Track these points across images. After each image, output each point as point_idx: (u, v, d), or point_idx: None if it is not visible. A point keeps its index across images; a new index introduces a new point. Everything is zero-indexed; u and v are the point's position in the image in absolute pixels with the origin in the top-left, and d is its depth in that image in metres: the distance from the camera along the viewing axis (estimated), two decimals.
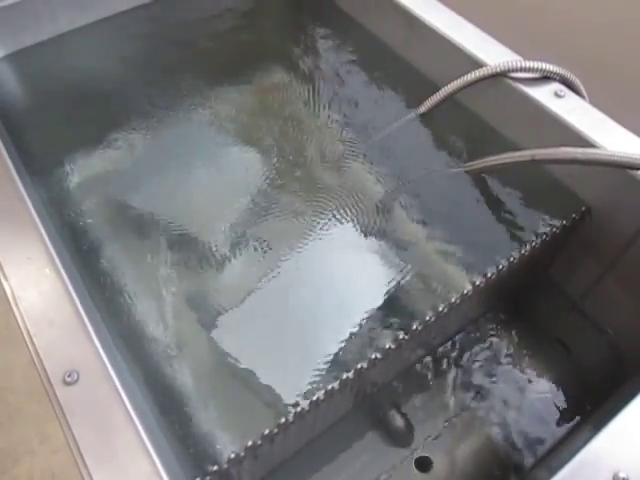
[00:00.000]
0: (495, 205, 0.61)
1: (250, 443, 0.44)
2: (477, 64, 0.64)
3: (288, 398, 0.47)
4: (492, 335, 0.73)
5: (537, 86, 0.62)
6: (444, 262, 0.57)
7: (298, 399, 0.47)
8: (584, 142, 0.58)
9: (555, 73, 0.62)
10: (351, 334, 0.51)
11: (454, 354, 0.71)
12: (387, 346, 0.50)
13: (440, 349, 0.70)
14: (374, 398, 0.65)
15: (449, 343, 0.71)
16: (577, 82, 0.62)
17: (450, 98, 0.65)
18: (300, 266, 0.56)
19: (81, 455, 0.40)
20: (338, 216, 0.60)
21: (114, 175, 0.64)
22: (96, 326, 0.46)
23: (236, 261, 0.57)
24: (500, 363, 0.71)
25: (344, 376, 0.48)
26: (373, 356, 0.50)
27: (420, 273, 0.56)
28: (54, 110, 0.70)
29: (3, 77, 0.73)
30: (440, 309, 0.53)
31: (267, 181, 0.63)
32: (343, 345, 0.50)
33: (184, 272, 0.56)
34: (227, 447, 0.44)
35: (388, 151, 0.66)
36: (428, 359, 0.70)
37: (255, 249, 0.58)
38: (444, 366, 0.70)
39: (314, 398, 0.47)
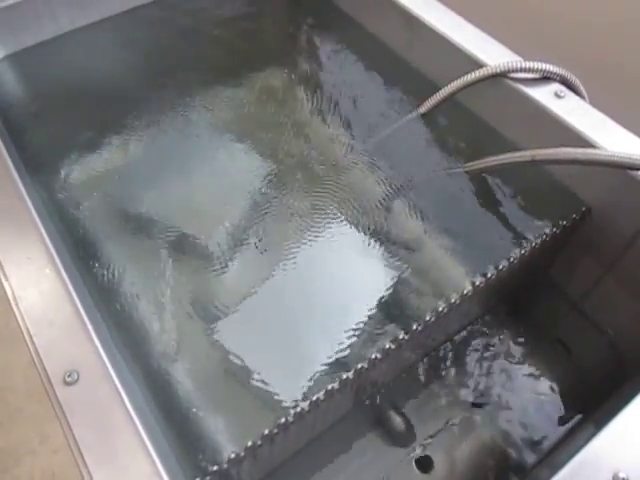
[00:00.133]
0: (495, 205, 0.61)
1: (250, 443, 0.44)
2: (477, 64, 0.64)
3: (288, 398, 0.47)
4: (492, 335, 0.73)
5: (537, 86, 0.62)
6: (444, 262, 0.57)
7: (298, 399, 0.47)
8: (584, 142, 0.58)
9: (555, 73, 0.62)
10: (351, 334, 0.51)
11: (454, 354, 0.71)
12: (387, 346, 0.50)
13: (440, 349, 0.70)
14: (374, 398, 0.65)
15: (449, 343, 0.71)
16: (577, 82, 0.62)
17: (450, 98, 0.66)
18: (300, 266, 0.56)
19: (81, 455, 0.40)
20: (338, 216, 0.60)
21: (114, 175, 0.64)
22: (96, 326, 0.47)
23: (236, 261, 0.57)
24: (500, 363, 0.71)
25: (344, 376, 0.48)
26: (373, 356, 0.50)
27: (420, 273, 0.56)
28: (54, 110, 0.70)
29: (3, 77, 0.73)
30: (440, 309, 0.53)
31: (267, 182, 0.63)
32: (343, 345, 0.50)
33: (184, 272, 0.56)
34: (227, 447, 0.44)
35: (388, 151, 0.66)
36: (428, 359, 0.70)
37: (255, 249, 0.58)
38: (444, 366, 0.70)
39: (314, 398, 0.47)
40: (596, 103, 0.61)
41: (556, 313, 0.72)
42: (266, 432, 0.45)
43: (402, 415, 0.66)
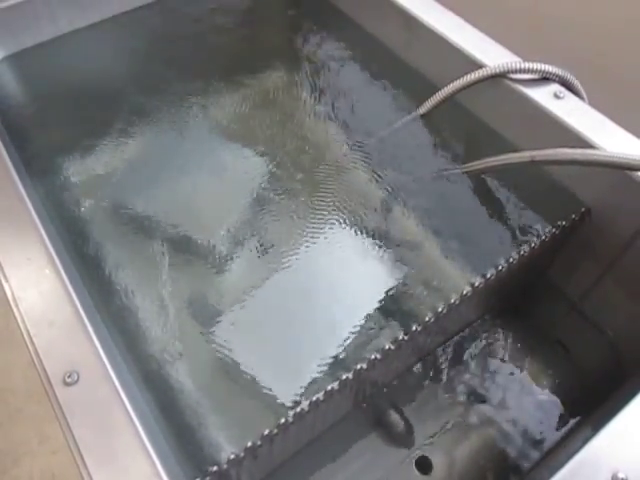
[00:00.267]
0: (494, 206, 0.61)
1: (250, 444, 0.44)
2: (476, 65, 0.64)
3: (288, 398, 0.47)
4: (492, 336, 0.73)
5: (536, 87, 0.62)
6: (443, 263, 0.57)
7: (298, 399, 0.47)
8: (583, 143, 0.58)
9: (554, 74, 0.62)
10: (351, 335, 0.51)
11: (454, 355, 0.71)
12: (387, 347, 0.50)
13: (440, 350, 0.70)
14: (374, 399, 0.65)
15: (449, 344, 0.71)
16: (576, 83, 0.62)
17: (450, 99, 0.66)
18: (299, 267, 0.56)
19: (81, 456, 0.40)
20: (337, 217, 0.60)
21: (114, 176, 0.64)
22: (96, 326, 0.47)
23: (236, 262, 0.57)
24: (500, 364, 0.71)
25: (344, 377, 0.48)
26: (373, 357, 0.50)
27: (419, 274, 0.56)
28: (54, 111, 0.70)
29: (3, 78, 0.74)
30: (439, 310, 0.53)
31: (267, 182, 0.63)
32: (343, 346, 0.50)
33: (184, 273, 0.56)
34: (227, 447, 0.44)
35: (388, 152, 0.66)
36: (428, 360, 0.70)
37: (255, 250, 0.58)
38: (444, 367, 0.70)
39: (314, 399, 0.47)
40: (595, 104, 0.62)
41: (555, 314, 0.72)
42: (266, 432, 0.45)
43: (402, 416, 0.66)
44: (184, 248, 0.58)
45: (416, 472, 0.64)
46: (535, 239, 0.57)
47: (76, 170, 0.64)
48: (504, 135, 0.66)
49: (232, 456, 0.44)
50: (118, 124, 0.68)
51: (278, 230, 0.59)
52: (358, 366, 0.49)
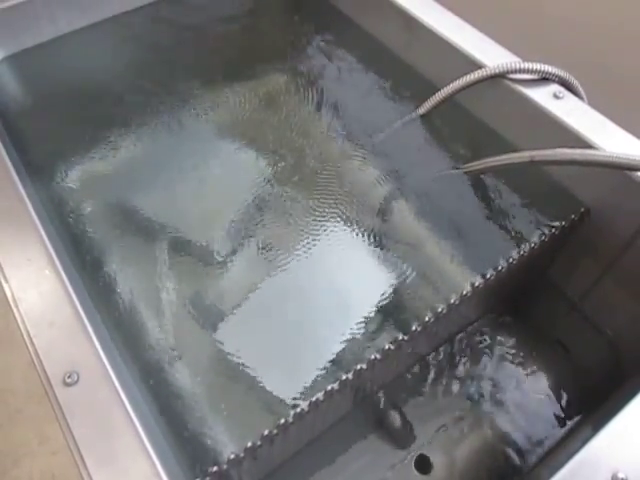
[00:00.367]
0: (494, 206, 0.61)
1: (250, 444, 0.44)
2: (476, 65, 0.64)
3: (288, 399, 0.47)
4: (491, 336, 0.73)
5: (536, 87, 0.62)
6: (443, 263, 0.57)
7: (298, 400, 0.47)
8: (583, 143, 0.58)
9: (554, 74, 0.62)
10: (350, 335, 0.51)
11: (454, 355, 0.71)
12: (386, 347, 0.50)
13: (439, 350, 0.70)
14: (374, 399, 0.65)
15: (448, 344, 0.71)
16: (576, 83, 0.62)
17: (449, 99, 0.66)
18: (299, 267, 0.56)
19: (81, 456, 0.40)
20: (337, 217, 0.60)
21: (114, 177, 0.64)
22: (96, 327, 0.47)
23: (236, 263, 0.57)
24: (499, 364, 0.71)
25: (343, 377, 0.48)
26: (372, 357, 0.50)
27: (419, 274, 0.56)
28: (54, 111, 0.70)
29: (3, 78, 0.74)
30: (439, 310, 0.53)
31: (267, 183, 0.63)
32: (343, 346, 0.50)
33: (183, 273, 0.56)
34: (227, 448, 0.44)
35: (388, 152, 0.66)
36: (428, 360, 0.70)
37: (255, 251, 0.58)
38: (443, 367, 0.70)
39: (314, 399, 0.47)
40: (595, 104, 0.62)
41: (555, 313, 0.72)
42: (266, 433, 0.45)
43: (401, 416, 0.66)
44: (184, 248, 0.58)
45: (416, 472, 0.64)
46: (535, 239, 0.57)
47: (76, 171, 0.64)
48: (504, 135, 0.66)
49: (232, 456, 0.44)
50: (118, 124, 0.68)
51: (278, 230, 0.59)
52: (358, 366, 0.49)
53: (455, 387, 0.69)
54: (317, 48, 0.79)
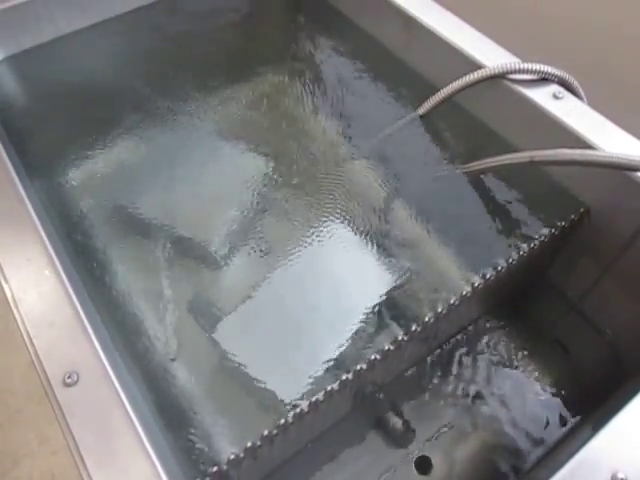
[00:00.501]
0: (494, 206, 0.61)
1: (249, 444, 0.44)
2: (475, 66, 0.64)
3: (287, 399, 0.47)
4: (491, 336, 0.73)
5: (535, 88, 0.62)
6: (443, 263, 0.57)
7: (297, 400, 0.47)
8: (582, 144, 0.58)
9: (553, 75, 0.62)
10: (350, 335, 0.51)
11: (453, 355, 0.71)
12: (386, 347, 0.50)
13: (439, 350, 0.70)
14: (374, 399, 0.65)
15: (448, 344, 0.71)
16: (575, 84, 0.62)
17: (449, 100, 0.66)
18: (299, 268, 0.56)
19: (81, 457, 0.40)
20: (337, 218, 0.60)
21: (113, 177, 0.64)
22: (96, 327, 0.47)
23: (235, 263, 0.57)
24: (499, 364, 0.71)
25: (343, 377, 0.48)
26: (372, 357, 0.50)
27: (419, 274, 0.56)
28: (54, 112, 0.70)
29: (3, 79, 0.74)
30: (439, 310, 0.53)
31: (267, 184, 0.63)
32: (342, 346, 0.50)
33: (183, 274, 0.56)
34: (226, 448, 0.44)
35: (387, 153, 0.66)
36: (427, 360, 0.70)
37: (254, 252, 0.58)
38: (443, 367, 0.70)
39: (313, 399, 0.47)
40: (594, 104, 0.62)
41: (555, 314, 0.72)
42: (265, 433, 0.45)
43: (401, 416, 0.66)
44: (184, 249, 0.58)
45: (416, 472, 0.64)
46: (534, 239, 0.57)
47: (76, 171, 0.64)
48: (503, 135, 0.66)
49: (232, 456, 0.44)
50: (118, 125, 0.68)
51: (278, 231, 0.59)
52: (358, 366, 0.49)
53: (455, 387, 0.69)
54: (317, 48, 0.79)
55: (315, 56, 0.78)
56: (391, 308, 0.53)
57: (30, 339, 0.45)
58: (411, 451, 0.65)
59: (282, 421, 0.46)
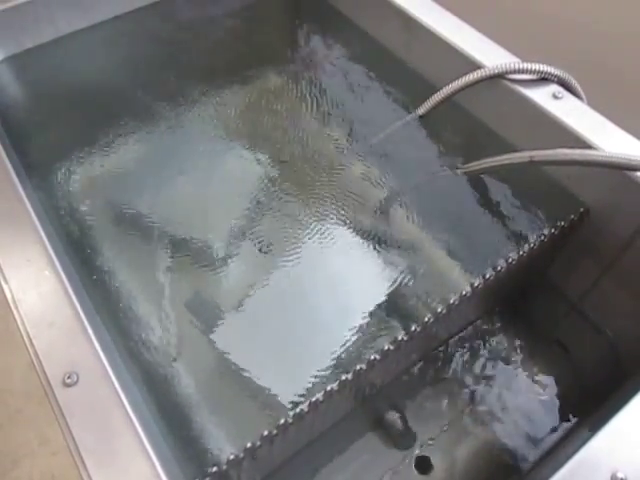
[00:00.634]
0: (493, 206, 0.61)
1: (249, 444, 0.44)
2: (475, 66, 0.64)
3: (287, 399, 0.47)
4: (491, 336, 0.73)
5: (535, 88, 0.62)
6: (443, 263, 0.57)
7: (297, 400, 0.47)
8: (582, 143, 0.58)
9: (553, 75, 0.62)
10: (350, 335, 0.51)
11: (453, 355, 0.71)
12: (386, 347, 0.50)
13: (439, 350, 0.70)
14: (373, 399, 0.65)
15: (448, 344, 0.71)
16: (575, 84, 0.62)
17: (448, 100, 0.66)
18: (299, 268, 0.56)
19: (81, 457, 0.40)
20: (337, 218, 0.60)
21: (113, 177, 0.64)
22: (95, 327, 0.47)
23: (235, 264, 0.57)
24: (499, 364, 0.71)
25: (343, 377, 0.48)
26: (372, 357, 0.50)
27: (419, 274, 0.56)
28: (54, 112, 0.70)
29: (3, 79, 0.74)
30: (439, 310, 0.53)
31: (267, 184, 0.63)
32: (342, 346, 0.50)
33: (183, 274, 0.56)
34: (226, 448, 0.44)
35: (387, 153, 0.66)
36: (427, 360, 0.70)
37: (254, 252, 0.58)
38: (443, 367, 0.70)
39: (313, 399, 0.47)
40: (594, 104, 0.62)
41: (555, 314, 0.72)
42: (265, 433, 0.45)
43: (401, 416, 0.66)
44: (183, 249, 0.58)
45: (416, 472, 0.64)
46: (534, 239, 0.57)
47: (75, 171, 0.64)
48: (503, 135, 0.66)
49: (232, 457, 0.44)
50: (118, 125, 0.68)
51: (277, 231, 0.59)
52: (357, 367, 0.49)
53: (455, 387, 0.69)
54: (316, 49, 0.79)
55: (315, 57, 0.78)
56: (391, 308, 0.53)
57: (30, 339, 0.45)
58: (411, 451, 0.65)
59: (282, 421, 0.46)
